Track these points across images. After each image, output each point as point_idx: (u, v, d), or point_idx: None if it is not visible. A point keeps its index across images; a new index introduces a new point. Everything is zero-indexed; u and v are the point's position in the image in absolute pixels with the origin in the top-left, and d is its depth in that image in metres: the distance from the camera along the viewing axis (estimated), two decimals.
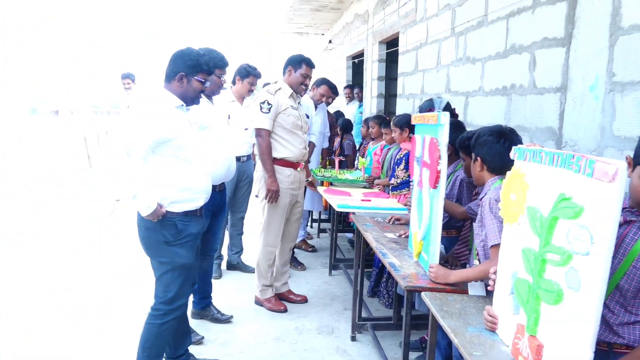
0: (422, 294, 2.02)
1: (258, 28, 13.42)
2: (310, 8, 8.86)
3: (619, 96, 2.27)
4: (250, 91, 4.35)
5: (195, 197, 2.62)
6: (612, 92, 2.31)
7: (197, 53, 2.62)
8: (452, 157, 2.77)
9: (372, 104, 7.25)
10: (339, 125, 6.14)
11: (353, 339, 3.44)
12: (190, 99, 2.64)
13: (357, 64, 8.84)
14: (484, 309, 1.76)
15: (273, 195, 3.65)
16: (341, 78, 9.63)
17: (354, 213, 3.52)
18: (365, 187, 4.63)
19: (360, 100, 7.88)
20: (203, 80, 2.62)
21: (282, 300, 3.96)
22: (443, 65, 4.39)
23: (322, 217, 6.55)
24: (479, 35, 3.69)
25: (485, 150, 2.17)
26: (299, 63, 3.72)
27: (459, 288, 2.10)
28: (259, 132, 3.63)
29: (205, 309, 3.65)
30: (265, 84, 4.42)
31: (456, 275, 2.09)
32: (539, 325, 1.43)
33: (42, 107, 13.64)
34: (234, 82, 4.38)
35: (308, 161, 4.16)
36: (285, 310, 3.85)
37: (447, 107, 3.25)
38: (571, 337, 1.29)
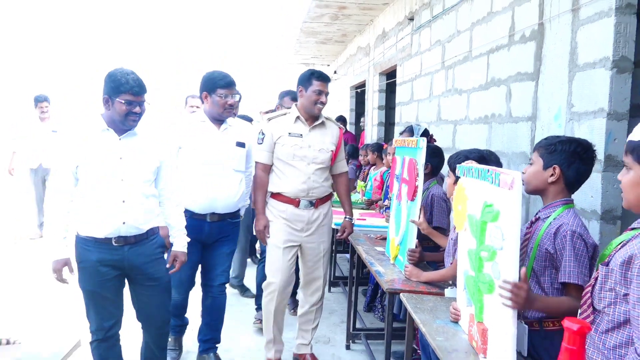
0: (401, 295, 2.31)
1: (265, 59, 13.95)
2: (315, 41, 9.32)
3: (576, 124, 2.59)
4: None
5: (97, 225, 2.42)
6: (572, 121, 2.63)
7: (121, 72, 2.37)
8: (427, 175, 3.09)
9: (372, 132, 7.61)
10: (347, 151, 6.49)
11: (347, 347, 3.69)
12: (118, 122, 2.40)
13: (359, 94, 9.24)
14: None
15: (259, 235, 3.20)
16: (345, 107, 10.04)
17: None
18: (363, 209, 4.94)
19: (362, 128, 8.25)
20: (125, 101, 2.34)
21: None
22: (435, 96, 4.74)
23: None
24: (464, 69, 4.04)
25: None
26: (309, 79, 3.07)
27: (435, 291, 2.39)
28: (255, 165, 3.21)
29: (205, 353, 3.30)
30: (268, 111, 4.14)
31: (426, 275, 2.43)
32: (483, 313, 1.72)
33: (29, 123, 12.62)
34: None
35: (346, 200, 3.41)
36: None
37: (425, 134, 3.56)
38: (502, 319, 1.58)
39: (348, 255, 6.19)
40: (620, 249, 1.38)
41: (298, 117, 3.13)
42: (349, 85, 9.58)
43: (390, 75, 6.88)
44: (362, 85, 8.61)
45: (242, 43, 14.52)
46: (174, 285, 2.94)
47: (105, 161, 2.39)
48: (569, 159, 1.80)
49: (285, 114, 3.18)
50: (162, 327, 2.75)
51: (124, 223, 2.42)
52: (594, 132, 2.45)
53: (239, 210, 3.28)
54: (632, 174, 1.39)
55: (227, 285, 3.35)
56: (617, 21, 2.33)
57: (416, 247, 2.66)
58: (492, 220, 1.65)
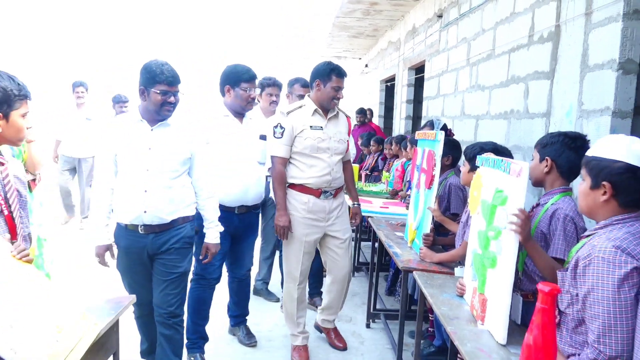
0: (414, 272, 2.56)
1: (300, 51, 14.23)
2: (347, 35, 9.53)
3: (585, 121, 2.77)
4: (273, 102, 4.11)
5: (126, 212, 2.58)
6: (581, 118, 2.81)
7: (156, 64, 2.46)
8: (445, 167, 3.30)
9: (400, 125, 7.81)
10: (377, 142, 6.73)
11: (367, 326, 3.96)
12: (154, 113, 2.51)
13: (389, 87, 9.42)
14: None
15: (281, 232, 3.17)
16: (375, 100, 10.23)
17: (371, 217, 4.07)
18: (387, 198, 5.17)
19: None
20: (160, 91, 2.45)
21: (317, 330, 3.71)
22: (459, 91, 4.92)
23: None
24: (487, 66, 4.22)
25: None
26: (328, 75, 3.11)
27: (446, 270, 2.63)
28: (272, 159, 3.17)
29: (236, 326, 3.64)
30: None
31: (438, 256, 2.67)
32: (485, 285, 1.95)
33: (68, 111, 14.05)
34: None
35: (352, 187, 3.53)
36: None
37: (444, 128, 3.76)
38: (500, 290, 1.81)
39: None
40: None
41: (316, 110, 3.15)
42: (379, 78, 9.76)
43: (419, 70, 7.05)
44: (392, 79, 8.78)
45: (242, 41, 14.85)
46: (199, 278, 3.14)
47: (135, 151, 2.50)
48: (559, 150, 2.01)
49: (301, 107, 3.18)
50: (169, 319, 2.70)
51: (145, 212, 2.51)
52: (600, 129, 2.63)
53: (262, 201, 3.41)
54: (584, 184, 1.61)
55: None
56: (624, 26, 2.50)
57: (430, 231, 2.90)
58: (501, 204, 1.88)
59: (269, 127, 3.20)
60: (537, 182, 2.15)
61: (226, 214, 3.05)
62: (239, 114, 3.17)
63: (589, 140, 2.06)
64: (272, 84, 4.11)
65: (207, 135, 2.98)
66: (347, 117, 3.38)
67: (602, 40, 2.65)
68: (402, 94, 7.73)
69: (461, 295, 2.22)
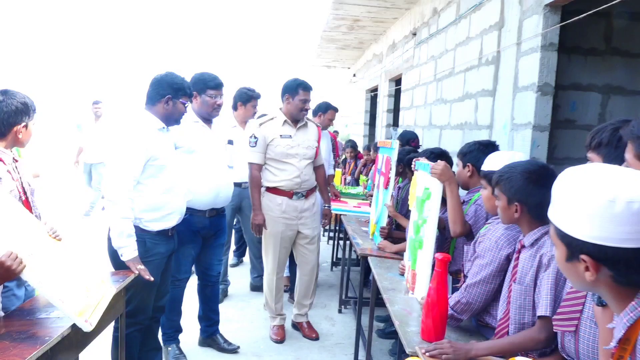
0: (369, 258, 3.09)
1: (291, 61, 14.81)
2: (335, 47, 10.08)
3: (515, 134, 3.32)
4: (254, 113, 4.45)
5: (168, 217, 2.73)
6: (513, 131, 3.35)
7: (181, 77, 2.77)
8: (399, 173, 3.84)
9: (382, 132, 8.35)
10: (353, 147, 7.30)
11: (339, 311, 4.48)
12: (172, 121, 2.79)
13: (373, 97, 9.98)
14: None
15: (256, 229, 3.61)
16: (361, 108, 10.79)
17: (344, 215, 4.60)
18: (363, 200, 5.70)
19: None
20: (185, 102, 2.77)
21: (294, 328, 4.02)
22: (428, 104, 5.47)
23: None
24: (449, 82, 4.77)
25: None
26: (296, 89, 3.54)
27: (397, 257, 3.15)
28: (249, 165, 3.62)
29: (211, 337, 3.65)
30: (261, 116, 4.22)
31: (395, 247, 3.20)
32: (416, 263, 2.48)
33: (87, 123, 14.23)
34: (235, 108, 4.46)
35: (325, 189, 3.99)
36: (281, 341, 3.82)
37: (414, 138, 4.33)
38: (424, 266, 2.34)
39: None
40: None
41: (285, 121, 3.59)
42: (365, 88, 10.32)
43: (398, 82, 7.60)
44: (376, 89, 9.34)
45: (268, 43, 15.41)
46: (174, 280, 3.20)
47: (173, 156, 2.84)
48: (477, 156, 2.55)
49: (273, 119, 3.61)
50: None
51: None
52: (524, 140, 3.17)
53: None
54: (485, 192, 2.15)
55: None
56: (542, 55, 3.04)
57: (387, 225, 3.42)
58: (427, 199, 2.41)
59: (245, 136, 3.59)
60: (464, 185, 2.68)
61: (198, 217, 3.26)
62: (207, 120, 3.32)
63: (498, 145, 2.60)
64: (257, 96, 4.46)
65: (177, 141, 3.10)
66: (317, 126, 3.84)
67: (527, 67, 3.20)
68: (384, 104, 8.28)
69: (402, 274, 2.75)
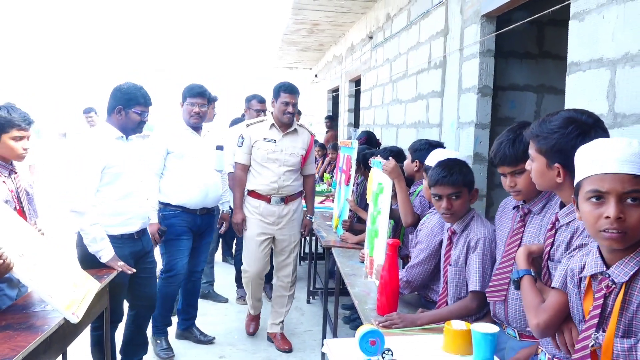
0: (332, 248, 3.38)
1: (254, 63, 14.99)
2: (296, 49, 10.35)
3: (461, 131, 3.66)
4: (214, 115, 4.66)
5: (128, 222, 2.84)
6: (459, 129, 3.70)
7: (138, 86, 2.83)
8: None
9: (344, 132, 8.67)
10: (321, 147, 7.58)
11: (308, 302, 4.76)
12: (130, 130, 2.85)
13: (335, 97, 10.29)
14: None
15: (236, 227, 3.73)
16: (323, 108, 11.09)
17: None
18: (327, 196, 6.00)
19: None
20: (140, 112, 2.81)
21: (269, 340, 3.94)
22: (385, 104, 5.80)
23: None
24: (403, 84, 5.10)
25: None
26: (278, 92, 3.57)
27: (358, 247, 3.44)
28: (235, 165, 3.75)
29: (188, 329, 3.86)
30: (235, 120, 4.53)
31: (356, 238, 3.48)
32: (373, 250, 2.78)
33: (47, 130, 13.71)
34: None
35: (311, 199, 3.95)
36: (253, 334, 4.01)
37: (374, 138, 4.65)
38: (380, 252, 2.64)
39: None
40: None
41: (273, 125, 3.60)
42: (327, 88, 10.62)
43: (358, 82, 7.93)
44: (337, 89, 9.65)
45: (230, 46, 15.57)
46: (168, 276, 3.54)
47: (130, 164, 2.94)
48: (425, 153, 2.82)
49: (262, 121, 3.68)
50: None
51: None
52: (468, 138, 3.51)
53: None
54: (425, 182, 2.46)
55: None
56: (481, 61, 3.39)
57: (349, 218, 3.71)
58: (380, 193, 2.72)
59: (234, 137, 3.80)
60: (410, 177, 3.00)
61: (190, 215, 3.54)
62: (194, 127, 3.53)
63: (443, 143, 2.93)
64: (214, 99, 4.57)
65: (168, 146, 3.42)
66: (312, 135, 3.82)
67: (469, 71, 3.54)
68: (345, 104, 8.60)
69: (362, 261, 3.04)
